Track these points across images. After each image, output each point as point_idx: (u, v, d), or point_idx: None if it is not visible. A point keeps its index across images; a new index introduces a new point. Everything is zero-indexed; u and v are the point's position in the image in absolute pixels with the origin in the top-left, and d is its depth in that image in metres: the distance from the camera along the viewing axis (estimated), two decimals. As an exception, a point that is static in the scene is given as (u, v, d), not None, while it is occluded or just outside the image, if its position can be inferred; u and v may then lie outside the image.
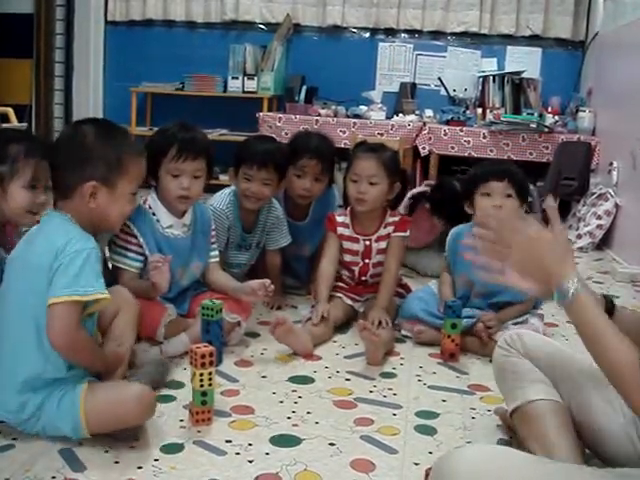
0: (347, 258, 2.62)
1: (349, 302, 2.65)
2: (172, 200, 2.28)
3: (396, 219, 2.60)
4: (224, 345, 2.27)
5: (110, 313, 1.89)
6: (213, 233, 2.47)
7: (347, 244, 2.61)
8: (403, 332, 2.54)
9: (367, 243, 2.60)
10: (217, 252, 2.48)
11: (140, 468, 1.57)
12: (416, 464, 1.65)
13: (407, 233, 2.64)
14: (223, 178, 4.39)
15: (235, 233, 2.71)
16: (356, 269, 2.63)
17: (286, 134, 4.67)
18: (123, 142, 1.76)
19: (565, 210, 4.85)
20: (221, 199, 2.68)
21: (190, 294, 2.44)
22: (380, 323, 2.39)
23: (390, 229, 2.59)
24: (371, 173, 2.50)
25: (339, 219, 2.62)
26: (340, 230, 2.61)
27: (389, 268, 2.57)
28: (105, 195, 1.70)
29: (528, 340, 1.65)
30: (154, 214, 2.29)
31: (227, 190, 2.73)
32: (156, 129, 2.47)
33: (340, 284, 2.66)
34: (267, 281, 2.28)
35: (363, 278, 2.65)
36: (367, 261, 2.62)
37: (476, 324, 2.39)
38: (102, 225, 1.78)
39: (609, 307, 1.45)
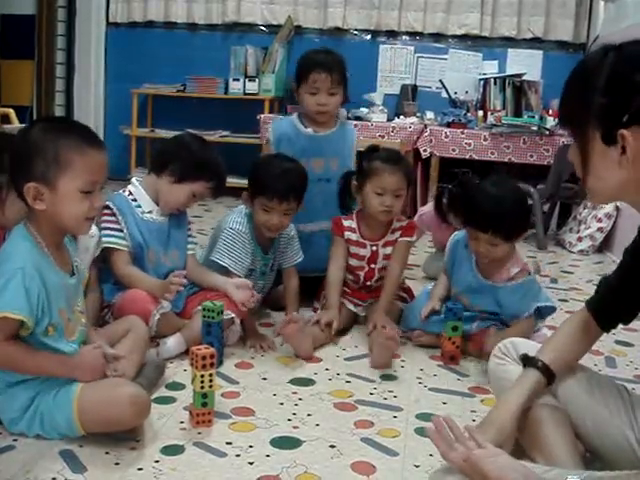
0: (353, 263, 2.60)
1: (351, 307, 2.64)
2: (175, 208, 2.41)
3: (403, 224, 2.59)
4: (224, 346, 2.27)
5: (119, 334, 1.98)
6: (190, 227, 2.54)
7: (354, 249, 2.59)
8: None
9: (374, 249, 2.58)
10: (194, 245, 2.53)
11: (140, 469, 1.57)
12: (416, 466, 1.65)
13: (414, 238, 2.65)
14: (228, 180, 4.38)
15: (256, 258, 2.55)
16: (361, 274, 2.61)
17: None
18: (67, 137, 1.58)
19: (566, 213, 4.86)
20: (238, 221, 2.51)
21: (185, 292, 2.44)
22: (384, 328, 2.37)
23: (397, 234, 2.58)
24: (397, 187, 2.46)
25: (346, 223, 2.59)
26: (347, 234, 2.58)
27: (392, 272, 2.56)
28: (49, 196, 1.57)
29: (523, 348, 1.64)
30: (135, 200, 2.36)
31: (242, 211, 2.55)
32: (158, 131, 2.50)
33: (344, 288, 2.62)
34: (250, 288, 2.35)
35: (368, 283, 2.63)
36: (373, 266, 2.60)
37: (475, 335, 2.38)
38: (62, 228, 1.66)
39: (550, 380, 1.50)
